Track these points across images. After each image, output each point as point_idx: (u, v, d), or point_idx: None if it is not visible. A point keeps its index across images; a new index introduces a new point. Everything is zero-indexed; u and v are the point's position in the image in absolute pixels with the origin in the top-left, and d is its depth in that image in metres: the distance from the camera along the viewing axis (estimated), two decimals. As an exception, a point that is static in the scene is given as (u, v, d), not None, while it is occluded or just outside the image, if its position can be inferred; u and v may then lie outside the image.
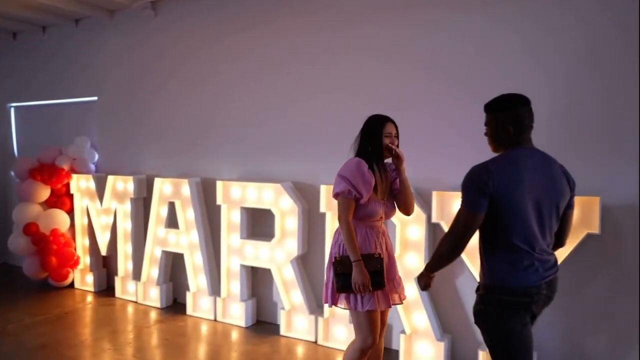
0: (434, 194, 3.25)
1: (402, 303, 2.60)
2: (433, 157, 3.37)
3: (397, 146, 2.52)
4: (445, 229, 3.20)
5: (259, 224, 4.20)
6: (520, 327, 2.02)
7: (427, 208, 3.33)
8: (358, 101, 3.68)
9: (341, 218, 2.44)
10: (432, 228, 3.35)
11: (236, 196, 4.09)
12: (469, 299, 3.27)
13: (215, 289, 4.33)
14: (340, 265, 2.43)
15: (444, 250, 2.09)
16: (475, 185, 1.98)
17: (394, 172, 2.59)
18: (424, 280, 2.24)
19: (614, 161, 2.89)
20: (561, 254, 2.90)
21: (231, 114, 4.37)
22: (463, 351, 3.37)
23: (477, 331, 3.15)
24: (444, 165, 3.35)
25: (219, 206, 4.20)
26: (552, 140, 2.97)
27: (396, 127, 2.53)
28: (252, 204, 4.02)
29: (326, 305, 3.67)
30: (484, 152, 2.21)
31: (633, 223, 2.85)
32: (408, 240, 3.37)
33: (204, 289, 4.35)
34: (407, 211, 2.60)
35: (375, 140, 2.48)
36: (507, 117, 2.05)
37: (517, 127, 2.04)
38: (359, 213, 2.45)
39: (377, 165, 2.49)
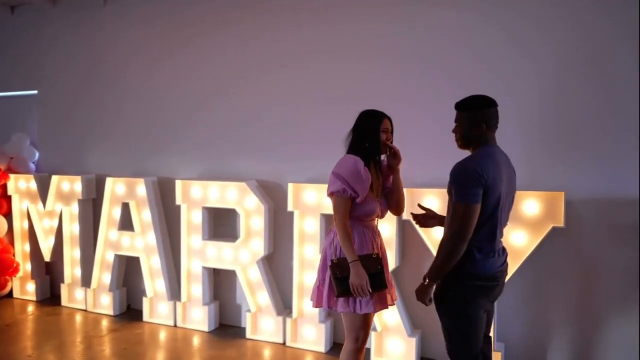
0: (405, 191, 3.24)
1: (394, 304, 2.56)
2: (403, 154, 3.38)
3: (392, 143, 2.49)
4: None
5: (221, 224, 4.05)
6: (481, 312, 2.16)
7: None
8: (323, 99, 3.63)
9: (337, 218, 2.36)
10: (402, 225, 3.37)
11: (197, 196, 3.92)
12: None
13: (174, 293, 4.13)
14: (339, 269, 2.33)
15: (449, 251, 2.07)
16: (473, 178, 2.03)
17: (386, 169, 2.55)
18: (427, 293, 2.17)
19: (577, 158, 3.02)
20: (528, 247, 3.00)
21: (189, 110, 4.18)
22: (433, 346, 3.41)
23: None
24: (414, 162, 3.37)
25: (178, 207, 4.00)
26: (518, 137, 3.07)
27: (391, 123, 2.49)
28: (214, 203, 3.86)
29: (295, 306, 3.60)
30: (452, 150, 2.28)
31: (595, 217, 2.99)
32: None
33: (162, 294, 4.13)
34: (398, 211, 2.57)
35: (372, 137, 2.41)
36: (480, 115, 2.16)
37: (488, 125, 2.16)
38: (356, 212, 2.38)
39: (373, 163, 2.44)
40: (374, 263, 2.33)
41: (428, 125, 3.33)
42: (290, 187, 3.55)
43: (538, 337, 3.18)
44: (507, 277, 2.38)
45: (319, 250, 3.50)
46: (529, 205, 2.99)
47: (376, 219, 2.50)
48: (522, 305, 3.18)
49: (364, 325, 2.40)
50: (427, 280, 2.14)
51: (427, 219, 2.49)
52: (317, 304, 2.48)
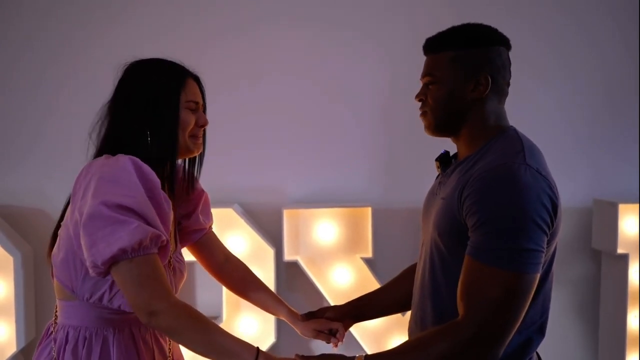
0: (285, 213, 1.99)
1: None
2: (278, 158, 2.13)
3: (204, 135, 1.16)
4: (307, 270, 1.99)
5: None
6: None
7: (274, 237, 2.05)
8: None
9: (152, 303, 0.94)
10: (285, 271, 2.09)
11: None
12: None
13: None
14: None
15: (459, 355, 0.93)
16: (541, 215, 0.93)
17: (187, 185, 1.22)
18: None
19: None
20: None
21: None
22: None
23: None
24: (289, 169, 2.15)
25: None
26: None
27: (202, 90, 1.16)
28: None
29: None
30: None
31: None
32: None
33: None
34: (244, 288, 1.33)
35: (166, 121, 1.05)
36: (488, 58, 1.04)
37: (496, 81, 1.04)
38: (109, 293, 1.01)
39: (169, 178, 1.09)
40: None
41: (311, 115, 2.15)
42: None
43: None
44: None
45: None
46: (324, 228, 2.02)
47: None
48: None
49: None
50: None
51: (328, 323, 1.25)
52: None
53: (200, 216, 1.24)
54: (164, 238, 0.98)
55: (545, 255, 0.97)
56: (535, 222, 0.91)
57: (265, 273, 1.97)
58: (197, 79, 1.14)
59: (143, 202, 0.95)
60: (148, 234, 0.94)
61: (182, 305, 0.97)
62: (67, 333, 1.04)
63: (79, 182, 1.00)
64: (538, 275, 0.94)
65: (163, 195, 1.01)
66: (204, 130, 1.15)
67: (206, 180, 2.16)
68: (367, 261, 2.01)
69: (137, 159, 0.98)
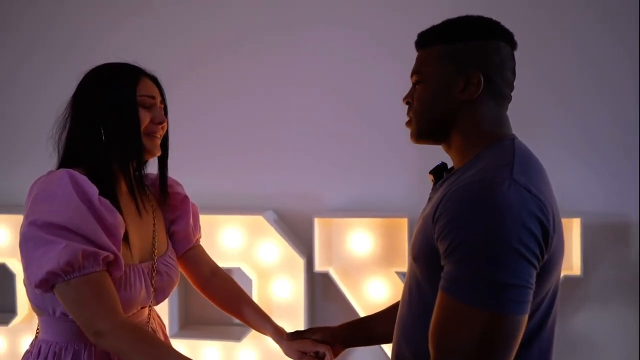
0: (316, 222, 1.91)
1: None
2: (314, 164, 2.06)
3: (167, 128, 1.10)
4: (339, 282, 1.89)
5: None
6: None
7: (305, 245, 1.98)
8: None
9: (95, 324, 0.90)
10: (316, 282, 2.02)
11: None
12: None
13: None
14: None
15: None
16: (525, 245, 0.73)
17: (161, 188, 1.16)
18: None
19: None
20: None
21: None
22: None
23: None
24: (326, 176, 2.06)
25: None
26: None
27: (160, 87, 1.09)
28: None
29: None
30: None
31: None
32: (273, 302, 1.95)
33: None
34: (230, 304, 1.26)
35: (123, 120, 1.01)
36: (479, 52, 0.87)
37: (491, 78, 0.88)
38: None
39: (127, 182, 1.06)
40: None
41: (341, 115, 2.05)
42: None
43: None
44: None
45: None
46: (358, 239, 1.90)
47: (144, 312, 1.11)
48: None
49: None
50: None
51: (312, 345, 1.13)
52: None
53: (191, 225, 1.21)
54: (106, 254, 0.93)
55: (538, 294, 0.79)
56: (517, 252, 0.72)
57: (296, 283, 1.92)
58: (154, 79, 1.08)
59: (77, 216, 0.90)
60: (78, 254, 0.88)
61: (129, 325, 0.92)
62: (40, 348, 1.03)
63: (26, 202, 0.98)
64: (525, 317, 0.75)
65: (106, 205, 0.95)
66: (167, 131, 1.10)
67: (237, 185, 2.15)
68: (404, 276, 1.86)
69: (74, 172, 0.94)
